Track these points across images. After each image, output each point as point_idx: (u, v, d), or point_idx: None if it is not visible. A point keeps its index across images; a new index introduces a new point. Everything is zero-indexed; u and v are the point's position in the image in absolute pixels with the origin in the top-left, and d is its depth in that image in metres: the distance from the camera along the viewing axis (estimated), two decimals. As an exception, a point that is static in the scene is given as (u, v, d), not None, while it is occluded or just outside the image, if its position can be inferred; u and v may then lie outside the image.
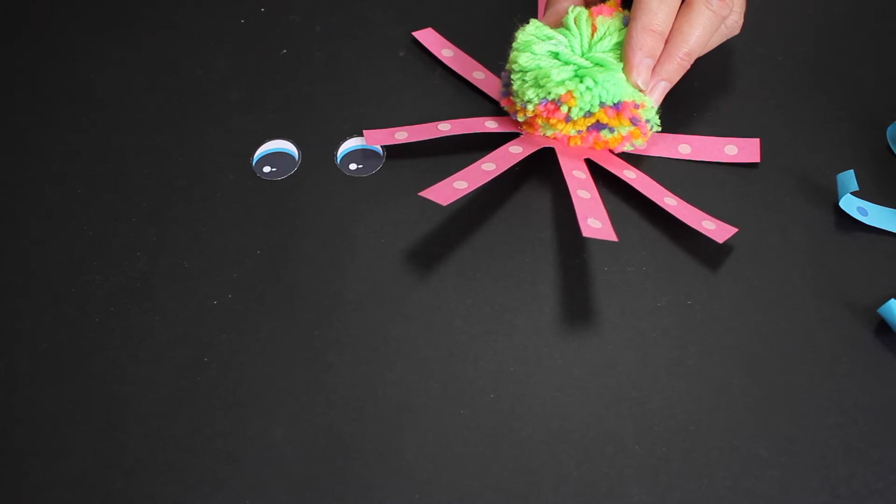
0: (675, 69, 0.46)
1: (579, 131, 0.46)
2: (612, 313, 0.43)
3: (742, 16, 0.49)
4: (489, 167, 0.45)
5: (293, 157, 0.48)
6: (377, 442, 0.39)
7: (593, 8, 0.47)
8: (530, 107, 0.46)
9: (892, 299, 0.41)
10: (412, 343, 0.42)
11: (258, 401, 0.41)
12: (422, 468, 0.39)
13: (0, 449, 0.40)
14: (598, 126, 0.46)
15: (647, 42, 0.45)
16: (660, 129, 0.47)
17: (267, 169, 0.48)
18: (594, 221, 0.42)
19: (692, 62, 0.47)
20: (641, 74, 0.45)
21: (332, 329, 0.43)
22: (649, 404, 0.40)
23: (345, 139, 0.49)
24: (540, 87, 0.45)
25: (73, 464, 0.39)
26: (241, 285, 0.44)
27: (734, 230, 0.44)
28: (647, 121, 0.46)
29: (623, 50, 0.46)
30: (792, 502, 0.38)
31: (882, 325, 0.42)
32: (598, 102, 0.45)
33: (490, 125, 0.48)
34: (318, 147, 0.49)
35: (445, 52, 0.53)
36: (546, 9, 0.50)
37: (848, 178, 0.45)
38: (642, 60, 0.45)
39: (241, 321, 0.43)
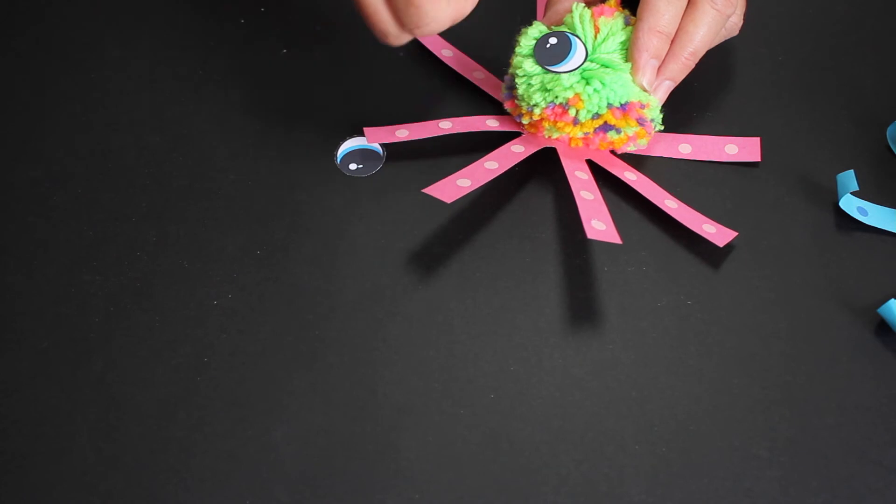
0: (680, 68, 0.46)
1: (586, 133, 0.46)
2: (612, 313, 0.43)
3: (741, 17, 0.49)
4: (492, 165, 0.45)
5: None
6: (377, 442, 0.39)
7: (594, 8, 0.47)
8: (537, 110, 0.46)
9: (892, 299, 0.41)
10: (412, 343, 0.42)
11: (258, 401, 0.41)
12: (422, 468, 0.39)
13: (0, 449, 0.40)
14: (605, 127, 0.46)
15: (652, 43, 0.45)
16: (662, 128, 0.47)
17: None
18: (598, 223, 0.42)
19: (697, 61, 0.47)
20: (647, 75, 0.45)
21: (332, 329, 0.43)
22: (649, 404, 0.40)
23: (345, 139, 0.49)
24: (547, 90, 0.45)
25: (73, 464, 0.39)
26: (241, 285, 0.44)
27: (734, 234, 0.44)
28: (652, 120, 0.46)
29: (629, 50, 0.46)
30: (792, 502, 0.38)
31: (882, 325, 0.42)
32: (605, 104, 0.45)
33: (491, 124, 0.48)
34: (318, 147, 0.49)
35: (445, 52, 0.53)
36: (546, 9, 0.50)
37: (848, 178, 0.45)
38: (648, 62, 0.45)
39: (241, 321, 0.43)
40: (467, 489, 0.38)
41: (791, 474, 0.38)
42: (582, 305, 0.43)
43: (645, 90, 0.46)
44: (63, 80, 0.53)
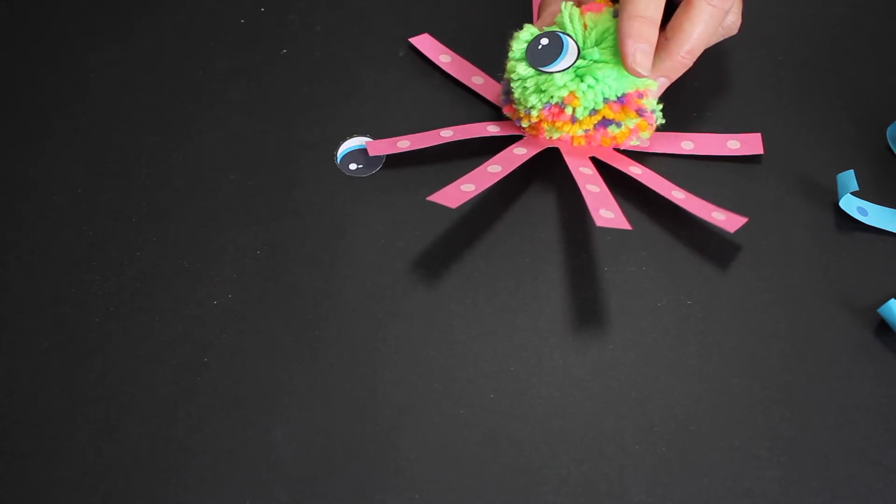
0: (675, 67, 0.46)
1: (586, 130, 0.46)
2: (612, 313, 0.43)
3: (740, 16, 0.49)
4: (495, 169, 0.45)
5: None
6: (377, 442, 0.39)
7: (583, 6, 0.47)
8: (534, 112, 0.46)
9: (892, 299, 0.41)
10: (412, 343, 0.42)
11: (258, 401, 0.41)
12: (422, 468, 0.39)
13: (0, 449, 0.40)
14: (605, 122, 0.46)
15: (634, 28, 0.44)
16: (663, 120, 0.47)
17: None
18: (606, 212, 0.42)
19: (694, 60, 0.46)
20: (637, 61, 0.44)
21: (332, 329, 0.43)
22: (649, 404, 0.40)
23: (345, 139, 0.49)
24: (542, 92, 0.45)
25: (73, 464, 0.39)
26: (241, 285, 0.44)
27: (744, 220, 0.44)
28: (653, 111, 0.46)
29: (618, 42, 0.45)
30: (792, 502, 0.38)
31: (882, 325, 0.42)
32: (601, 99, 0.45)
33: (492, 130, 0.48)
34: (318, 147, 0.49)
35: (443, 57, 0.53)
36: (540, 10, 0.50)
37: (848, 178, 0.45)
38: (636, 47, 0.44)
39: (241, 321, 0.43)
40: (467, 489, 0.38)
41: (791, 474, 0.38)
42: (582, 305, 0.43)
43: (640, 76, 0.44)
44: (63, 80, 0.53)
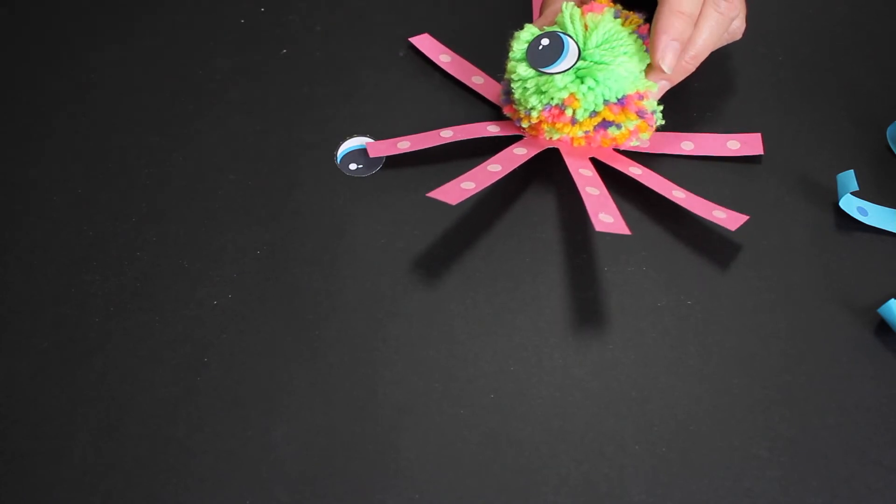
0: (679, 71, 0.46)
1: (586, 132, 0.46)
2: (612, 313, 0.43)
3: (744, 21, 0.49)
4: (495, 168, 0.45)
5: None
6: (377, 442, 0.39)
7: (584, 6, 0.47)
8: (534, 113, 0.46)
9: (892, 299, 0.41)
10: (412, 343, 0.42)
11: (258, 401, 0.41)
12: (422, 468, 0.39)
13: (0, 449, 0.40)
14: (605, 124, 0.46)
15: (674, 24, 0.44)
16: (663, 121, 0.47)
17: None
18: (605, 216, 0.42)
19: (697, 65, 0.47)
20: (667, 59, 0.44)
21: (332, 329, 0.43)
22: (649, 404, 0.40)
23: (345, 139, 0.49)
24: (542, 93, 0.45)
25: (73, 464, 0.39)
26: (241, 285, 0.44)
27: (745, 217, 0.44)
28: (653, 112, 0.46)
29: (651, 32, 0.45)
30: (792, 502, 0.38)
31: (882, 325, 0.42)
32: (601, 101, 0.45)
33: (492, 130, 0.48)
34: (318, 147, 0.49)
35: (443, 57, 0.53)
36: (541, 9, 0.50)
37: (848, 178, 0.45)
38: (668, 44, 0.44)
39: (241, 321, 0.43)
40: (467, 489, 0.38)
41: (791, 474, 0.38)
42: (582, 305, 0.43)
43: (662, 71, 0.45)
44: (63, 80, 0.53)
